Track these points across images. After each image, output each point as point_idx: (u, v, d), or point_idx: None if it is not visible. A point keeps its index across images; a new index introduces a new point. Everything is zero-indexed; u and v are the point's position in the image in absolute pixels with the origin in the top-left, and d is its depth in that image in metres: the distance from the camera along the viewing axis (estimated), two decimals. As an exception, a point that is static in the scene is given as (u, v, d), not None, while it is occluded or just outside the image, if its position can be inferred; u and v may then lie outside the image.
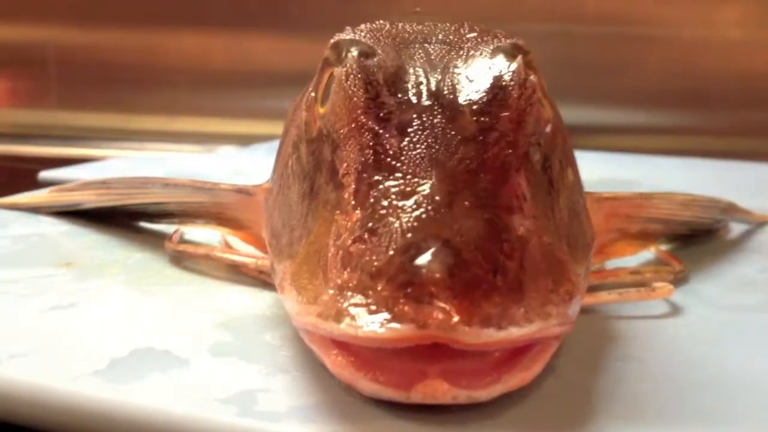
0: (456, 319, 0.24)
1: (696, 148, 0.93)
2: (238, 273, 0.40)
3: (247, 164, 0.73)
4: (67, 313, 0.34)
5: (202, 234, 0.45)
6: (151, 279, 0.39)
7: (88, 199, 0.47)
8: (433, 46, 0.33)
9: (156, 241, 0.44)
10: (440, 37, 0.34)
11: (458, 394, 0.25)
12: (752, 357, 0.32)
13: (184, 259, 0.41)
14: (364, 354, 0.25)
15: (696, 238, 0.48)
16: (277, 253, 0.32)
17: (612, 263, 0.42)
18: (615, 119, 1.03)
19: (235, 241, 0.43)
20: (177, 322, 0.34)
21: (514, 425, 0.26)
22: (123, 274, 0.40)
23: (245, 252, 0.41)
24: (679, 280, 0.40)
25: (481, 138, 0.28)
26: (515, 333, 0.24)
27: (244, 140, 0.93)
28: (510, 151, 0.29)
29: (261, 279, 0.38)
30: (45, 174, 0.67)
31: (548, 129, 0.31)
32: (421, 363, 0.25)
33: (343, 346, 0.26)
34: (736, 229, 0.51)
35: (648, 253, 0.44)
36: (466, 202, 0.26)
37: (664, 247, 0.45)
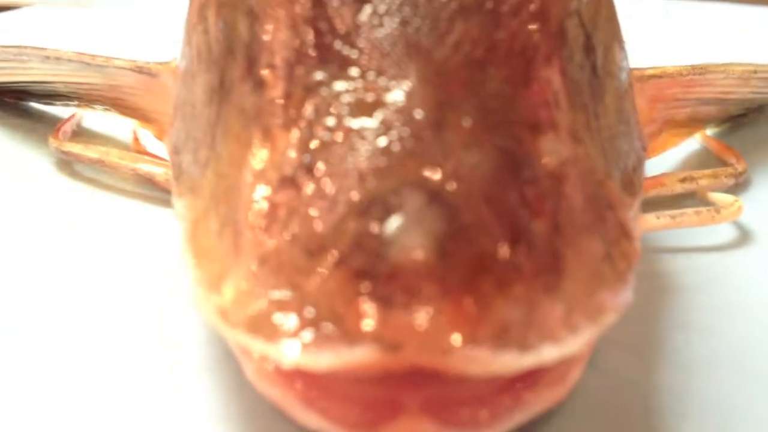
0: (451, 334, 0.14)
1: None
2: (144, 185, 0.29)
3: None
4: None
5: (108, 122, 0.34)
6: (25, 195, 0.28)
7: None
8: None
9: (45, 131, 0.33)
10: None
11: (450, 438, 0.15)
12: None
13: (74, 161, 0.30)
14: (304, 372, 0.16)
15: (747, 117, 0.37)
16: (177, 175, 0.21)
17: (653, 162, 0.31)
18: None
19: (149, 135, 0.32)
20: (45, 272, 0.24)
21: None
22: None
23: (155, 155, 0.30)
24: (740, 185, 0.30)
25: (489, 5, 0.18)
26: (551, 353, 0.14)
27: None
28: (536, 26, 0.18)
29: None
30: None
31: (590, -12, 0.20)
32: (393, 389, 0.15)
33: None
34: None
35: (693, 142, 0.34)
36: (467, 120, 0.16)
37: (711, 133, 0.35)
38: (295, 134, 0.17)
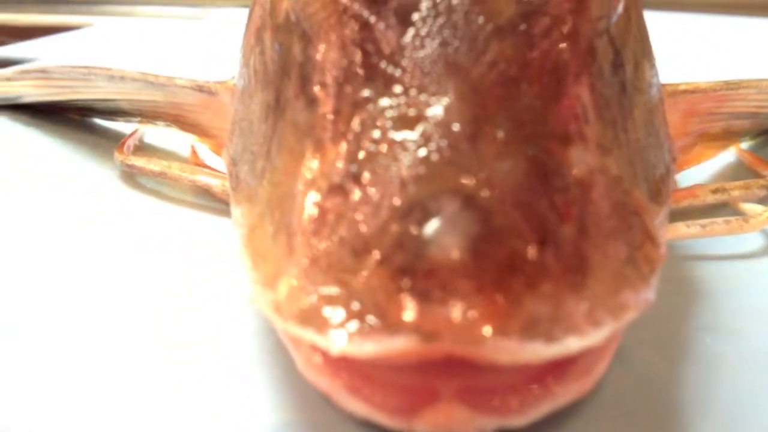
0: (483, 327, 0.15)
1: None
2: (203, 196, 0.31)
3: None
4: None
5: (168, 137, 0.36)
6: (92, 207, 0.30)
7: (28, 92, 0.38)
8: None
9: (109, 145, 0.35)
10: None
11: (485, 423, 0.17)
12: None
13: (137, 174, 0.33)
14: (349, 360, 0.17)
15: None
16: (235, 186, 0.23)
17: (687, 174, 0.32)
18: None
19: (206, 150, 0.34)
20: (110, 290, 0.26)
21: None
22: (58, 198, 0.31)
23: (212, 168, 0.32)
24: (772, 196, 0.31)
25: (523, 27, 0.19)
26: (574, 344, 0.16)
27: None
28: (567, 46, 0.19)
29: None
30: (3, 50, 0.57)
31: (620, 8, 0.21)
32: (431, 379, 0.17)
33: None
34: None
35: (728, 155, 0.35)
36: (500, 132, 0.18)
37: (745, 146, 0.36)
38: (343, 146, 0.18)
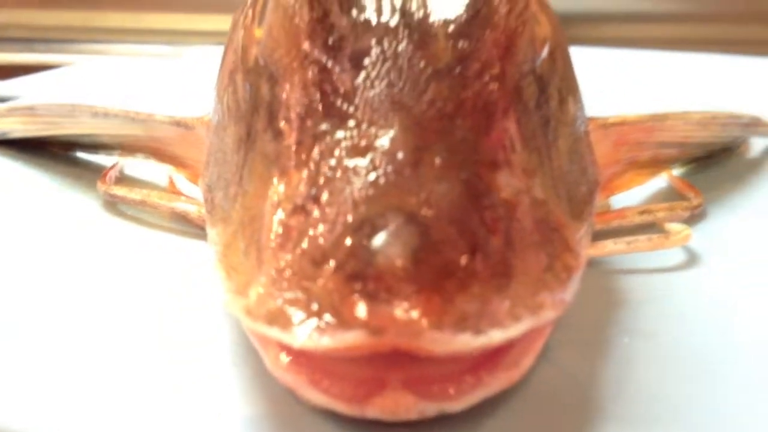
0: (422, 322, 0.18)
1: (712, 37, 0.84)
2: (180, 221, 0.34)
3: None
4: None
5: (146, 168, 0.39)
6: (78, 233, 0.33)
7: (15, 128, 0.41)
8: None
9: (91, 177, 0.38)
10: None
11: (426, 407, 0.20)
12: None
13: (119, 202, 0.35)
14: (309, 355, 0.20)
15: (713, 159, 0.42)
16: (210, 209, 0.26)
17: (619, 197, 0.36)
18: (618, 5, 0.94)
19: (182, 179, 0.37)
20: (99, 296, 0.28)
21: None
22: (46, 223, 0.34)
23: (188, 196, 0.34)
24: (696, 216, 0.34)
25: (458, 70, 0.22)
26: (498, 336, 0.19)
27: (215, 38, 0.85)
28: (496, 86, 0.22)
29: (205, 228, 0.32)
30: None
31: (545, 52, 0.25)
32: (379, 370, 0.20)
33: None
34: (759, 144, 0.45)
35: (660, 180, 0.38)
36: (438, 159, 0.21)
37: (677, 173, 0.39)
38: (305, 172, 0.21)
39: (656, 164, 0.37)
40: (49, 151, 0.42)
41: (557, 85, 0.26)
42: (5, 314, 0.27)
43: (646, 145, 0.36)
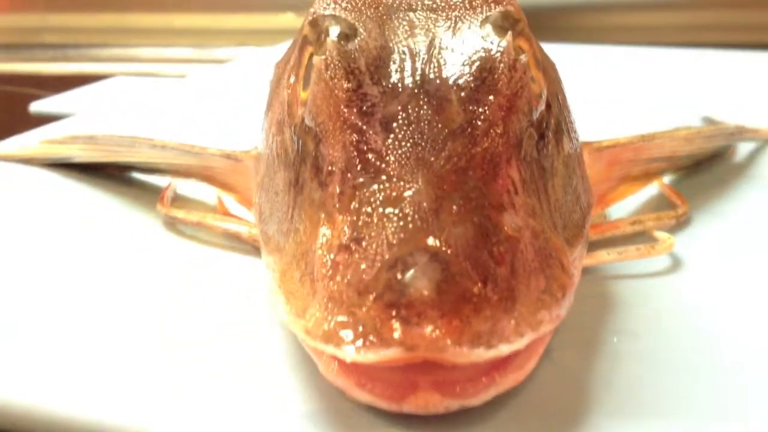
0: (446, 340, 0.23)
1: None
2: (232, 240, 0.39)
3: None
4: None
5: (196, 189, 0.44)
6: (142, 250, 0.39)
7: (77, 154, 0.46)
8: (418, 15, 0.31)
9: (149, 197, 0.43)
10: (426, 2, 0.31)
11: (451, 404, 0.25)
12: (754, 326, 0.31)
13: (177, 222, 0.41)
14: (357, 364, 0.25)
15: (701, 165, 0.46)
16: (266, 239, 0.31)
17: (614, 208, 0.41)
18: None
19: (230, 200, 0.42)
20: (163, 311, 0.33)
21: (507, 427, 0.26)
22: (117, 243, 0.39)
23: (238, 217, 0.40)
24: (682, 223, 0.39)
25: (469, 130, 0.27)
26: (505, 349, 0.24)
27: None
28: (500, 141, 0.27)
29: (255, 246, 0.37)
30: (37, 107, 0.65)
31: (541, 105, 0.29)
32: (413, 375, 0.25)
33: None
34: (745, 148, 0.50)
35: (652, 188, 0.43)
36: (454, 207, 0.25)
37: (667, 180, 0.44)
38: (347, 218, 0.26)
39: (647, 176, 0.42)
40: (105, 172, 0.47)
41: (553, 128, 0.31)
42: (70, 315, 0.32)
43: (636, 162, 0.40)
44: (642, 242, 0.36)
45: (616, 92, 0.62)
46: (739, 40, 0.87)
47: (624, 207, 0.41)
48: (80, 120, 0.57)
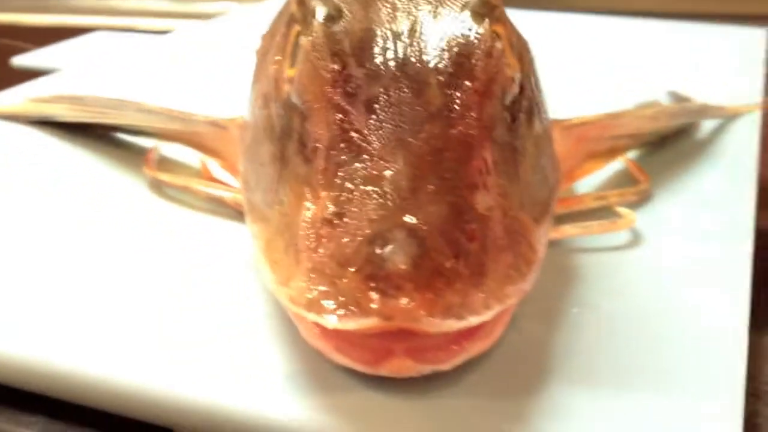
0: (419, 311, 0.25)
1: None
2: (217, 203, 0.41)
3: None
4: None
5: (180, 152, 0.45)
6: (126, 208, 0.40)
7: (63, 113, 0.47)
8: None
9: (135, 158, 0.45)
10: None
11: (422, 368, 0.27)
12: (707, 298, 0.33)
13: (163, 185, 0.42)
14: (337, 330, 0.27)
15: (666, 141, 0.48)
16: (251, 208, 0.33)
17: (581, 183, 0.43)
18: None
19: (215, 165, 0.44)
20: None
21: (475, 389, 0.28)
22: (104, 204, 0.41)
23: (222, 182, 0.41)
24: (643, 200, 0.41)
25: (446, 113, 0.29)
26: (474, 321, 0.26)
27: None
28: (475, 125, 0.29)
29: (239, 211, 0.39)
30: (20, 61, 0.66)
31: (515, 89, 0.31)
32: (388, 342, 0.27)
33: None
34: (709, 124, 0.52)
35: (617, 163, 0.45)
36: (431, 186, 0.27)
37: (631, 155, 0.46)
38: (330, 193, 0.28)
39: (613, 152, 0.44)
40: (91, 131, 0.48)
41: (525, 110, 0.32)
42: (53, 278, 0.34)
43: (603, 139, 0.42)
44: (605, 217, 0.38)
45: (582, 63, 0.63)
46: (714, 11, 0.88)
47: (590, 182, 0.43)
48: (65, 76, 0.58)
